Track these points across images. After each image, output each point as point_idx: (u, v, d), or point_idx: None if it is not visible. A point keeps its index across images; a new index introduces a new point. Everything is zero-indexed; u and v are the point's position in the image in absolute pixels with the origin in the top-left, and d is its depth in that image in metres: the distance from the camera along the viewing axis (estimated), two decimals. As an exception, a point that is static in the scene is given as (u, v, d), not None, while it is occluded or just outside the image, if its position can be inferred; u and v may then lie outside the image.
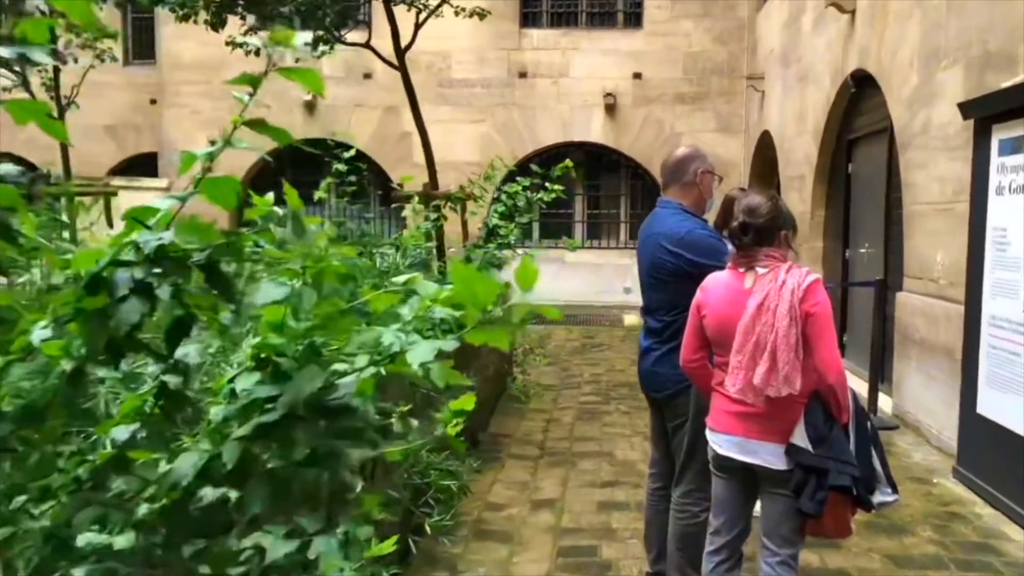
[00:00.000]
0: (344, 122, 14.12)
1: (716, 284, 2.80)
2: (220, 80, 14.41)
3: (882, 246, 7.14)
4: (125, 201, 14.61)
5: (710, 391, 2.86)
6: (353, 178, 5.57)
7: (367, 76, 13.75)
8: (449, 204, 5.54)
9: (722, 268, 2.84)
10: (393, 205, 5.23)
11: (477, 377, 6.12)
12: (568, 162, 5.29)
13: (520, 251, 8.90)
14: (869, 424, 2.70)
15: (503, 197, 5.12)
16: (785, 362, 2.54)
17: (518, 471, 5.09)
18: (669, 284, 3.16)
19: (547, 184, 5.13)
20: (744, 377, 2.61)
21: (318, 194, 4.85)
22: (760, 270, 2.68)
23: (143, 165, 15.72)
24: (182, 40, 14.14)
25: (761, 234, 2.70)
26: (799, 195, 9.51)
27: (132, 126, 16.46)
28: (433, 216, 5.29)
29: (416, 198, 5.08)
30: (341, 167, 5.58)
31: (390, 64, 8.34)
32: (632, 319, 12.22)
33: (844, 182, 8.33)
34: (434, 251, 5.56)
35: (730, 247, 2.92)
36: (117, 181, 14.79)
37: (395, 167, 14.12)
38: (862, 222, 7.79)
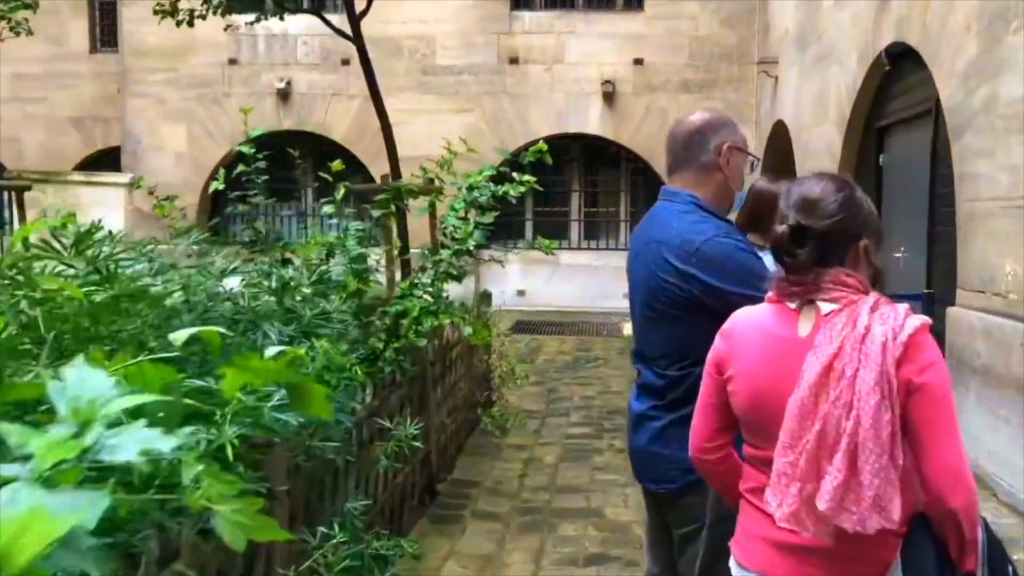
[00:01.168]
0: (320, 112, 13.05)
1: (750, 328, 1.71)
2: (187, 67, 13.36)
3: (924, 251, 6.05)
4: (87, 198, 13.58)
5: (737, 498, 1.79)
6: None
7: (345, 63, 12.66)
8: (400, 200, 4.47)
9: (760, 299, 1.76)
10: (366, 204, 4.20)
11: (445, 405, 5.06)
12: (541, 144, 4.21)
13: (509, 252, 7.84)
14: (1010, 569, 1.61)
15: (462, 191, 4.04)
16: (874, 472, 1.46)
17: (481, 538, 4.01)
18: (676, 320, 2.08)
19: (515, 175, 4.05)
20: (800, 493, 1.53)
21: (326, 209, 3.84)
22: (825, 306, 1.61)
23: (113, 160, 14.65)
24: (145, 24, 13.04)
25: (828, 245, 1.63)
26: (819, 191, 8.41)
27: (100, 118, 15.38)
28: (377, 213, 4.21)
29: (341, 191, 4.00)
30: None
31: (340, 34, 7.25)
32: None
33: (874, 176, 7.24)
34: (385, 256, 4.49)
35: (770, 265, 1.85)
36: (76, 176, 13.77)
37: (375, 161, 13.03)
38: (897, 222, 6.70)
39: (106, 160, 14.90)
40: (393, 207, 4.40)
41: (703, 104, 12.43)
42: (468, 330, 5.03)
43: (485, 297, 6.51)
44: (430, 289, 3.99)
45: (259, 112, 13.28)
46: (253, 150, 4.01)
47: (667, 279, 2.03)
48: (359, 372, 3.18)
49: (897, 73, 6.60)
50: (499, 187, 4.02)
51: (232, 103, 13.15)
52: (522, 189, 4.02)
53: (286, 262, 3.75)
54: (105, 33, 15.52)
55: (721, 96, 12.45)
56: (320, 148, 13.67)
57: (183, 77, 13.20)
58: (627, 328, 11.12)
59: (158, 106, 13.26)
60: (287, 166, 12.79)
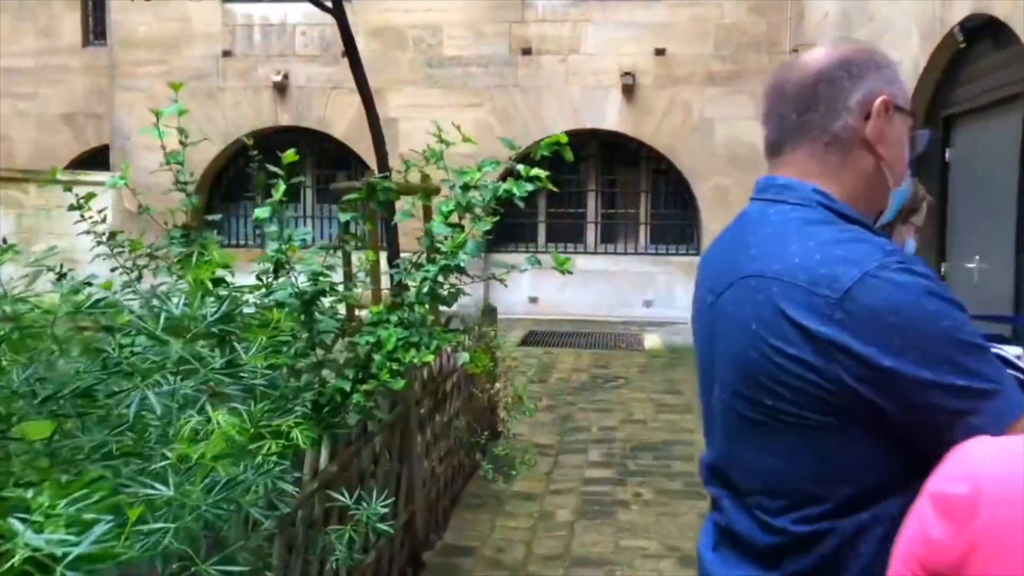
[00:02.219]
0: (319, 107, 12.20)
1: (1018, 496, 0.79)
2: (178, 59, 12.56)
3: (1011, 261, 5.10)
4: (73, 199, 12.81)
5: None
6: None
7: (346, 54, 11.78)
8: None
9: (1006, 401, 0.83)
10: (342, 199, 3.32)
11: (436, 449, 4.18)
12: (560, 135, 3.33)
13: (512, 271, 6.98)
14: None
15: (455, 190, 3.15)
16: None
17: (476, 634, 3.13)
18: (805, 431, 1.10)
19: (521, 168, 3.16)
20: None
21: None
22: None
23: (107, 159, 13.86)
24: (134, 12, 12.28)
25: None
26: (869, 191, 7.48)
27: (92, 115, 14.62)
28: (345, 217, 3.33)
29: (280, 188, 3.13)
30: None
31: (320, 6, 6.39)
32: (655, 339, 10.22)
33: (939, 172, 6.28)
34: (368, 267, 3.60)
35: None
36: (61, 175, 12.99)
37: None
38: (970, 226, 5.75)
39: (100, 158, 14.13)
40: (376, 208, 3.53)
41: (731, 97, 11.52)
42: (464, 357, 4.16)
43: (489, 313, 5.61)
44: (412, 315, 3.10)
45: (254, 107, 12.49)
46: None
47: (786, 351, 1.09)
48: (299, 436, 2.29)
49: (971, 53, 5.65)
50: (500, 185, 3.12)
51: (227, 97, 12.35)
52: (530, 188, 3.13)
53: (218, 282, 2.87)
54: (98, 25, 14.76)
55: (749, 89, 11.51)
56: (320, 145, 12.85)
57: (175, 70, 12.38)
58: (648, 340, 10.20)
59: (148, 101, 12.42)
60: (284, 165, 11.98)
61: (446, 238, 3.04)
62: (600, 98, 11.77)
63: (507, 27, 11.84)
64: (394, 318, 3.13)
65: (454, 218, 3.17)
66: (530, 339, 10.27)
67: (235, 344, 1.97)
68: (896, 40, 6.69)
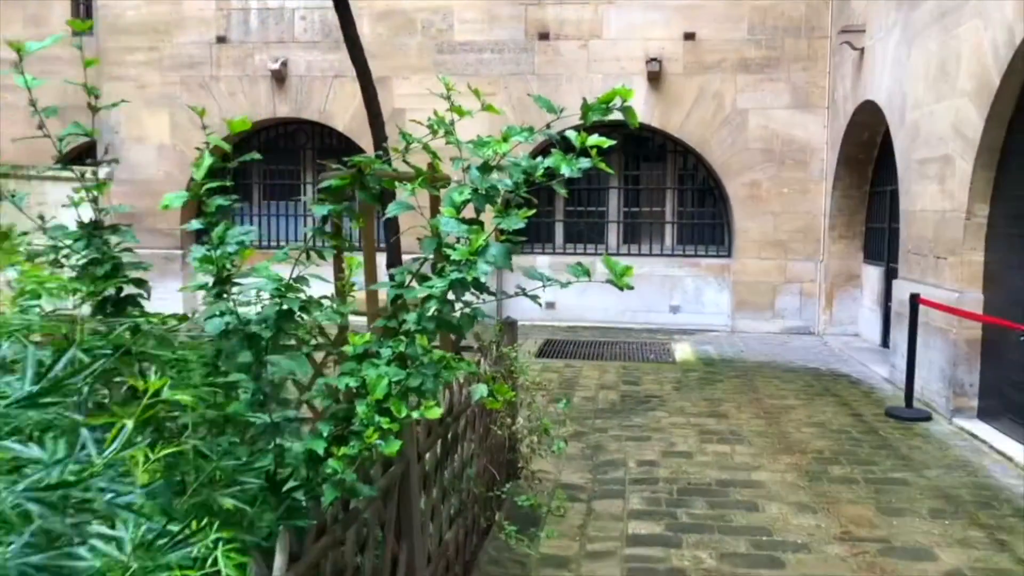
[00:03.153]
0: (320, 97, 11.33)
1: None
2: (170, 46, 11.71)
3: None
4: (55, 197, 12.00)
5: None
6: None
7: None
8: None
9: None
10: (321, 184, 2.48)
11: (446, 506, 3.30)
12: (624, 89, 2.46)
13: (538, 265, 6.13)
14: None
15: (470, 171, 2.27)
16: None
17: None
18: None
19: (575, 136, 2.28)
20: None
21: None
22: None
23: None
24: (122, -4, 11.46)
25: None
26: (940, 186, 6.55)
27: (83, 108, 13.74)
28: (321, 211, 2.46)
29: (202, 165, 2.25)
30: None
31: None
32: (685, 349, 9.30)
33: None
34: (345, 284, 2.71)
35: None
36: (43, 172, 12.17)
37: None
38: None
39: (92, 154, 13.31)
40: (366, 199, 2.66)
41: (766, 86, 10.59)
42: (481, 391, 3.28)
43: (507, 329, 4.70)
44: (412, 347, 2.21)
45: (251, 97, 11.63)
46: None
47: None
48: (225, 567, 1.41)
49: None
50: (540, 162, 2.24)
51: (221, 87, 11.50)
52: (585, 165, 2.25)
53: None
54: (90, 13, 13.93)
55: (787, 77, 10.59)
56: (321, 140, 11.99)
57: (166, 58, 11.55)
58: (678, 351, 9.28)
59: (138, 91, 11.61)
60: (284, 159, 11.06)
61: (459, 240, 2.15)
62: (623, 86, 10.81)
63: (523, 10, 10.94)
64: (386, 351, 2.24)
65: (470, 211, 2.28)
66: (548, 350, 9.37)
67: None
68: (984, 8, 5.76)
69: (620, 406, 6.68)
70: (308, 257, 2.58)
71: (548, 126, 2.48)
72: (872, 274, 9.87)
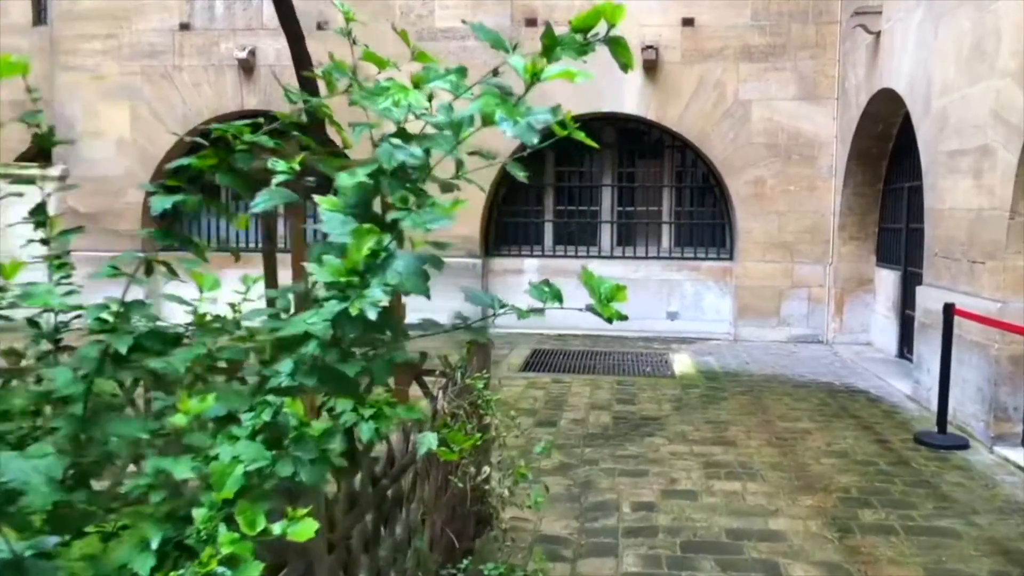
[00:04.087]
0: (291, 88, 10.49)
1: None
2: (129, 34, 10.89)
3: None
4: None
5: None
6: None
7: (320, 27, 10.14)
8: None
9: None
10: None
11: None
12: (566, 114, 1.66)
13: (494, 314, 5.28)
14: None
15: (371, 133, 1.50)
16: None
17: None
18: None
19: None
20: None
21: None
22: None
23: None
24: (77, -21, 10.65)
25: None
26: (975, 181, 5.78)
27: (45, 101, 12.96)
28: (162, 201, 1.66)
29: None
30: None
31: None
32: (684, 361, 8.53)
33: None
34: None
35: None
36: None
37: (359, 147, 10.47)
38: None
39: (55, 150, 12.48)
40: (232, 183, 1.89)
41: (770, 75, 9.82)
42: (430, 442, 2.55)
43: (477, 352, 3.88)
44: (280, 415, 1.43)
45: (217, 88, 10.82)
46: None
47: None
48: None
49: None
50: (464, 114, 1.47)
51: (184, 77, 10.68)
52: (542, 117, 1.49)
53: None
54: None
55: (793, 66, 9.82)
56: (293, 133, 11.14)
57: (125, 46, 10.74)
58: (677, 363, 8.50)
59: (95, 82, 10.79)
60: (253, 157, 10.25)
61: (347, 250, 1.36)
62: (616, 77, 10.03)
63: (509, -6, 10.16)
64: (248, 420, 1.46)
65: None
66: (535, 361, 8.58)
67: None
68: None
69: (613, 430, 5.89)
70: (149, 272, 1.81)
71: (495, 72, 1.69)
72: (886, 278, 9.10)
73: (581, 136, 1.58)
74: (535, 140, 1.44)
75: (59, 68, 10.82)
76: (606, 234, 10.81)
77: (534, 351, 9.14)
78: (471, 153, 1.58)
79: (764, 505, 4.38)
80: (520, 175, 1.65)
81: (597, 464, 5.10)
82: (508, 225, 10.90)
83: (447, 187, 1.55)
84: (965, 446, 5.42)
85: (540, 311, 1.71)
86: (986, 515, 4.26)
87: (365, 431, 1.94)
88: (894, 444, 5.55)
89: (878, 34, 8.07)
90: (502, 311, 1.68)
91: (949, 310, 5.52)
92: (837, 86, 9.71)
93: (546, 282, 1.66)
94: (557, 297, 1.66)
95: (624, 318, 1.63)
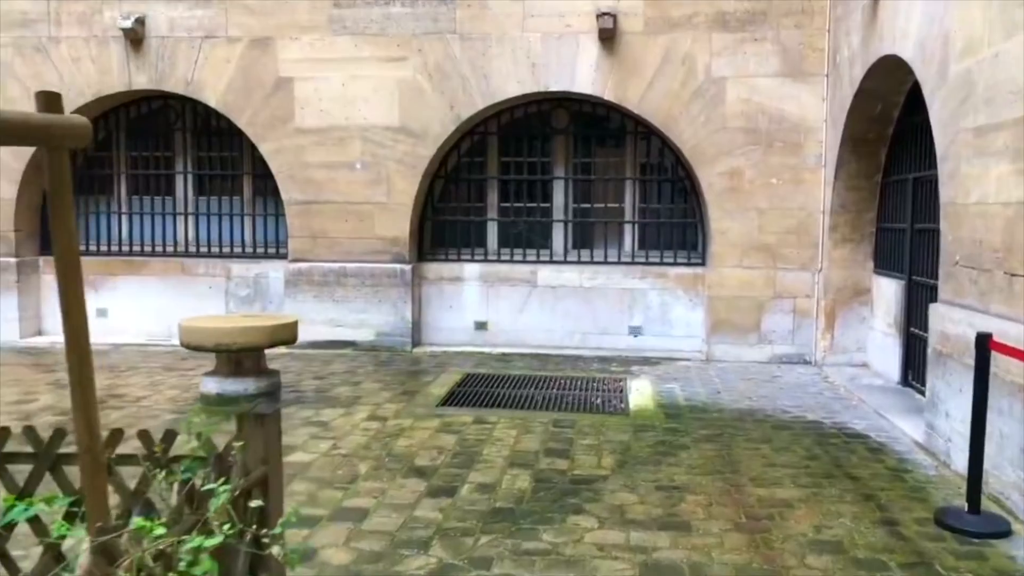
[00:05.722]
0: (186, 63, 8.94)
1: None
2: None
3: None
4: None
5: None
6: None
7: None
8: None
9: None
10: None
11: None
12: None
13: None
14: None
15: None
16: None
17: None
18: None
19: None
20: None
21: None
22: None
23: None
24: (-68, -66, 9.03)
25: None
26: (1014, 165, 4.28)
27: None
28: None
29: None
30: None
31: None
32: (644, 390, 7.03)
33: None
34: None
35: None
36: None
37: (267, 133, 8.93)
38: None
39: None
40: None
41: (748, 48, 8.33)
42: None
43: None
44: None
45: (101, 64, 9.21)
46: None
47: None
48: None
49: None
50: None
51: (63, 51, 9.08)
52: None
53: None
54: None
55: (775, 36, 8.32)
56: (195, 116, 9.60)
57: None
58: (634, 392, 6.98)
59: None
60: (152, 144, 8.62)
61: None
62: (569, 50, 8.54)
63: (441, -49, 8.60)
64: None
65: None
66: (462, 392, 7.04)
67: None
68: None
69: (529, 503, 4.36)
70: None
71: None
72: (887, 289, 7.61)
73: None
74: None
75: (-84, 41, 9.20)
76: (559, 235, 9.28)
77: (466, 377, 7.60)
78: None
79: (721, 657, 2.86)
80: None
81: (490, 568, 3.56)
82: (445, 224, 9.36)
83: None
84: (1006, 533, 3.92)
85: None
86: None
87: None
88: (908, 528, 4.04)
89: (877, -9, 6.58)
90: None
91: (984, 344, 4.00)
92: (827, 61, 8.22)
93: None
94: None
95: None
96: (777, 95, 8.32)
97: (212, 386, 6.38)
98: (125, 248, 9.69)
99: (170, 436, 2.24)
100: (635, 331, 8.93)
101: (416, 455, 5.16)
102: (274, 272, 9.30)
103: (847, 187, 8.01)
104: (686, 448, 5.38)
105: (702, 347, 8.69)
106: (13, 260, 9.29)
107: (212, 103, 8.92)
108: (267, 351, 6.59)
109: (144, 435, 2.23)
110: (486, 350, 8.82)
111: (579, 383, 7.41)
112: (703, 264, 8.91)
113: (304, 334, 8.87)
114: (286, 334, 6.47)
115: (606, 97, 8.55)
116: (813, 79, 8.27)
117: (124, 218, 9.77)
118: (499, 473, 4.84)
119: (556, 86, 8.59)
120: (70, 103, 9.04)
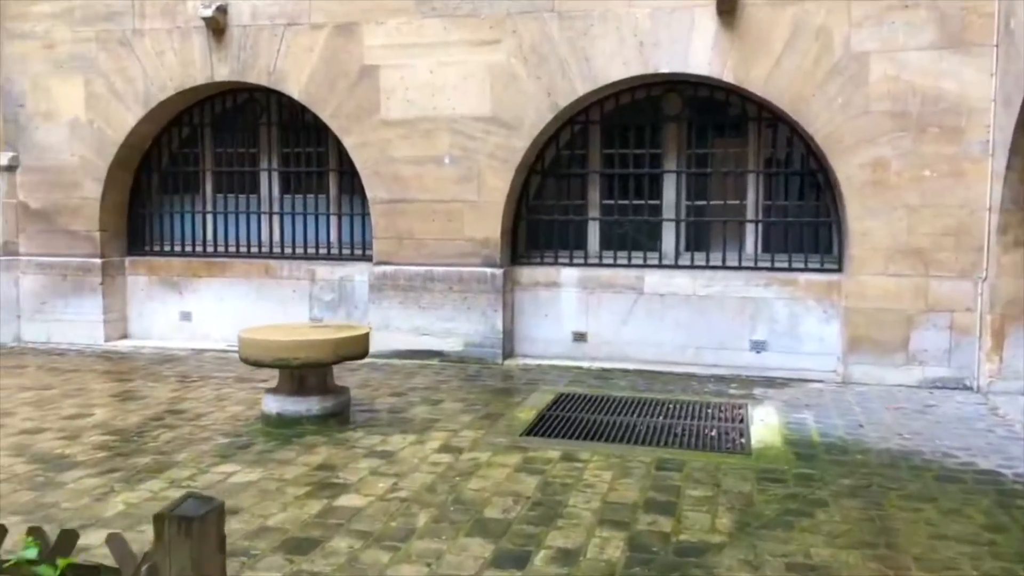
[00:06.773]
0: (268, 53, 8.41)
1: None
2: (83, -7, 9.00)
3: None
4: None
5: None
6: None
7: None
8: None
9: None
10: None
11: None
12: None
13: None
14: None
15: None
16: None
17: None
18: None
19: None
20: None
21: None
22: None
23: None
24: (21, -72, 8.84)
25: None
26: None
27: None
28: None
29: None
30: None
31: None
32: (769, 420, 5.94)
33: None
34: None
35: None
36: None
37: (351, 126, 8.28)
38: None
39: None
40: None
41: (896, 16, 7.06)
42: None
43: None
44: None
45: (183, 56, 8.78)
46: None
47: None
48: None
49: None
50: None
51: (146, 44, 8.72)
52: None
53: None
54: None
55: (930, 3, 7.00)
56: (280, 109, 9.08)
57: (78, 8, 8.86)
58: (756, 425, 5.88)
59: (45, 51, 8.97)
60: (238, 140, 8.09)
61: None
62: (682, 26, 7.49)
63: (538, -80, 7.72)
64: None
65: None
66: (552, 416, 6.13)
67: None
68: None
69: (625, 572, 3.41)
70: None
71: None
72: (1075, 303, 6.22)
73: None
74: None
75: (5, 36, 9.04)
76: (669, 236, 8.23)
77: (558, 397, 6.70)
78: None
79: None
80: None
81: None
82: (541, 224, 8.47)
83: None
84: None
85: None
86: None
87: None
88: None
89: (1074, -67, 5.26)
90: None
91: None
92: (997, 27, 6.85)
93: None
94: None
95: None
96: (933, 71, 7.01)
97: (273, 405, 5.73)
98: (210, 248, 9.28)
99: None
100: (757, 346, 7.79)
101: (487, 503, 4.30)
102: (359, 276, 8.66)
103: (1022, 180, 6.64)
104: (824, 506, 4.30)
105: (837, 367, 7.48)
106: (98, 260, 9.00)
107: (295, 94, 8.34)
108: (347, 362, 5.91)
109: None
110: (584, 364, 7.88)
111: (690, 409, 6.37)
112: (839, 270, 7.68)
113: (389, 343, 8.20)
114: (354, 348, 5.73)
115: (725, 79, 7.44)
116: (979, 51, 6.91)
117: (209, 217, 9.35)
118: (585, 535, 3.91)
119: (667, 67, 7.55)
120: (153, 98, 8.68)
